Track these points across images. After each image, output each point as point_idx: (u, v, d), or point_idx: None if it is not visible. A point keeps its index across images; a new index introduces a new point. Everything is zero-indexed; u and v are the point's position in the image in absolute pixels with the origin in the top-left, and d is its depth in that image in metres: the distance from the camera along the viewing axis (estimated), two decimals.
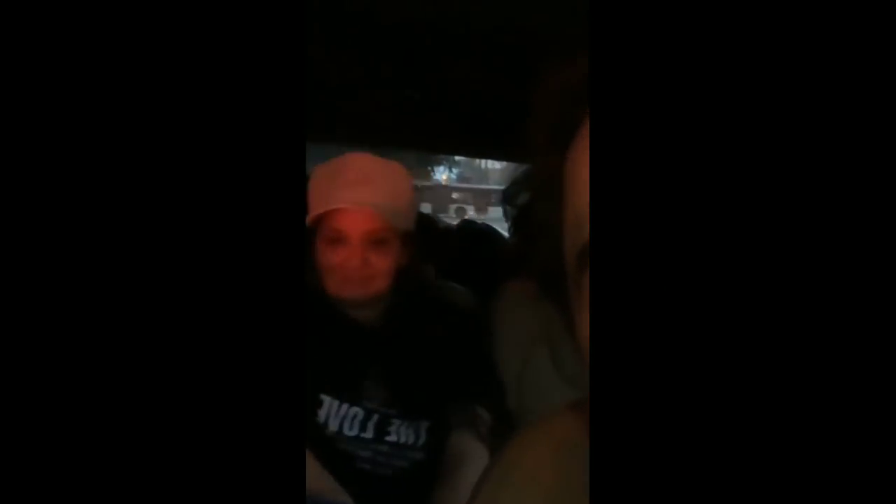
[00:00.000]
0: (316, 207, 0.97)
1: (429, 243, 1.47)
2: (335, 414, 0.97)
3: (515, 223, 0.41)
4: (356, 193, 0.96)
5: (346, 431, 0.97)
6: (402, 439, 0.99)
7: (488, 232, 2.01)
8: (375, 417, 0.98)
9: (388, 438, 0.98)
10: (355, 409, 0.98)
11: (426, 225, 1.72)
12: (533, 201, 0.37)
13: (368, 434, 0.98)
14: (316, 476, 0.91)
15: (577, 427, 0.41)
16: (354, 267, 0.97)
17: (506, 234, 1.72)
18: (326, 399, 0.97)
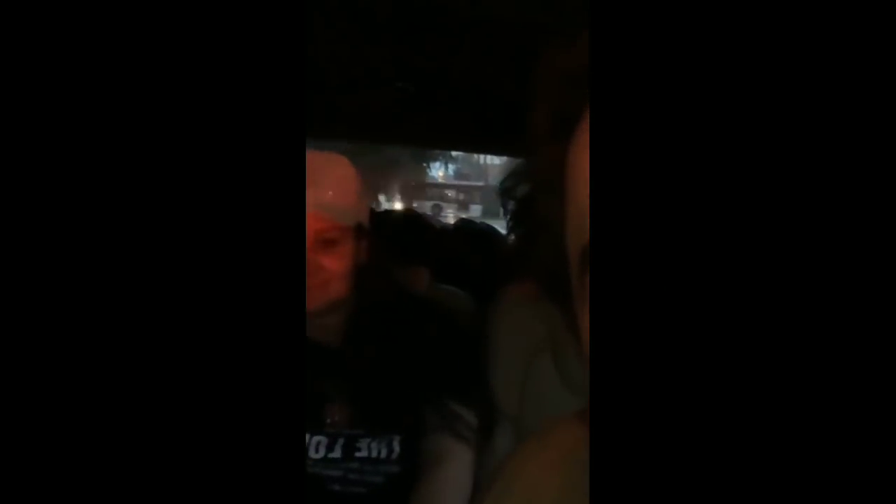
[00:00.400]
0: None
1: (423, 244, 1.43)
2: None
3: (514, 217, 0.38)
4: None
5: (312, 454, 0.92)
6: (374, 454, 0.93)
7: (488, 232, 1.96)
8: (341, 441, 0.93)
9: (357, 455, 0.92)
10: (318, 437, 0.92)
11: (421, 225, 1.68)
12: (533, 194, 0.36)
13: (336, 454, 0.92)
14: None
15: (584, 437, 0.39)
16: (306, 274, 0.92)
17: (503, 231, 1.69)
18: None
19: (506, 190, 0.39)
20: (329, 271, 0.91)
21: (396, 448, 0.94)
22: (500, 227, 2.02)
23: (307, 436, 0.92)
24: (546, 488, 0.40)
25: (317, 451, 0.91)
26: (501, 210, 0.40)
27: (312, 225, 0.90)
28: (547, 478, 0.41)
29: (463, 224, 2.20)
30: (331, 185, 0.93)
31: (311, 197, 0.89)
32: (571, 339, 0.33)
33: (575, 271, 0.31)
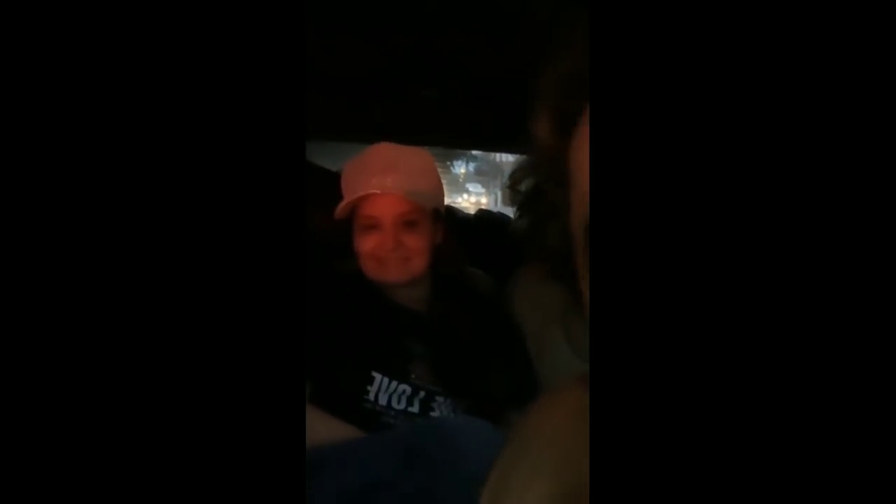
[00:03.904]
0: (347, 196, 0.95)
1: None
2: (385, 390, 0.94)
3: (523, 208, 0.39)
4: (384, 180, 0.93)
5: (395, 405, 0.94)
6: (445, 415, 0.96)
7: (503, 220, 1.97)
8: (422, 394, 0.95)
9: (432, 414, 0.95)
10: (404, 385, 0.95)
11: (450, 215, 1.68)
12: (539, 185, 0.37)
13: (415, 409, 0.95)
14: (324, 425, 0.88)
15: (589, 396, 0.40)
16: (389, 249, 0.94)
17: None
18: (378, 376, 0.94)
19: (514, 183, 0.39)
20: (410, 248, 0.95)
21: (461, 414, 0.97)
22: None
23: (395, 383, 0.94)
24: (558, 443, 0.40)
25: (399, 401, 0.94)
26: (510, 201, 0.40)
27: (398, 207, 0.93)
28: (560, 428, 0.41)
29: (482, 214, 2.20)
30: (415, 173, 0.96)
31: (398, 181, 0.92)
32: (578, 311, 0.34)
33: (579, 251, 0.31)
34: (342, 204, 0.95)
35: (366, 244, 0.96)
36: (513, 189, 0.39)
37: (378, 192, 0.93)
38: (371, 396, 0.94)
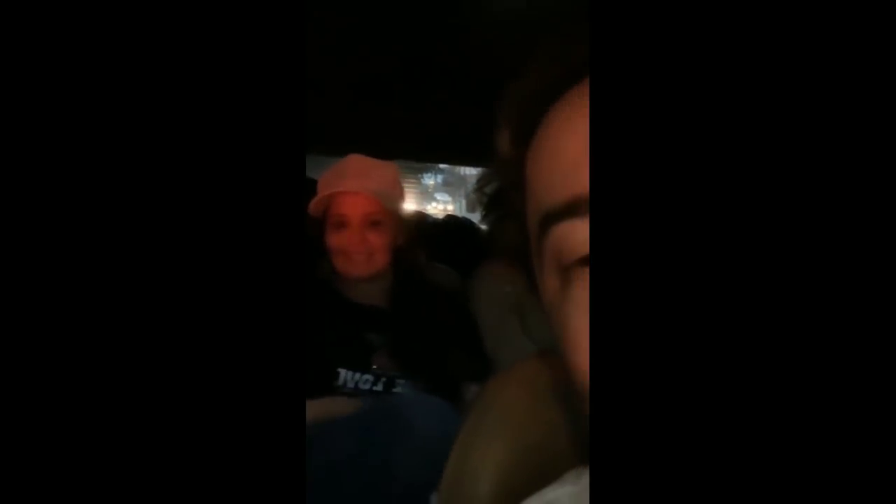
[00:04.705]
0: (322, 194, 1.03)
1: (419, 235, 1.53)
2: (350, 381, 1.02)
3: (487, 208, 0.45)
4: (354, 182, 1.03)
5: (361, 388, 1.02)
6: (404, 392, 1.04)
7: (468, 224, 2.10)
8: (384, 380, 1.03)
9: (395, 390, 1.03)
10: (367, 376, 1.03)
11: (417, 220, 1.78)
12: (501, 190, 0.39)
13: (379, 388, 1.03)
14: (321, 406, 0.92)
15: (544, 370, 0.43)
16: (356, 243, 1.03)
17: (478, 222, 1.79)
18: (342, 371, 1.02)
19: (480, 187, 0.43)
20: (374, 245, 1.04)
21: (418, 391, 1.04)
22: (477, 220, 2.13)
23: (358, 374, 1.02)
24: (515, 415, 0.43)
25: (364, 384, 1.02)
26: (477, 205, 0.43)
27: (366, 206, 1.02)
28: (515, 406, 0.43)
29: (449, 219, 2.32)
30: (379, 177, 1.06)
31: (364, 185, 1.01)
32: (534, 301, 0.34)
33: (534, 241, 0.32)
34: (316, 199, 1.04)
35: (335, 240, 1.05)
36: (479, 192, 0.42)
37: (349, 190, 1.03)
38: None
